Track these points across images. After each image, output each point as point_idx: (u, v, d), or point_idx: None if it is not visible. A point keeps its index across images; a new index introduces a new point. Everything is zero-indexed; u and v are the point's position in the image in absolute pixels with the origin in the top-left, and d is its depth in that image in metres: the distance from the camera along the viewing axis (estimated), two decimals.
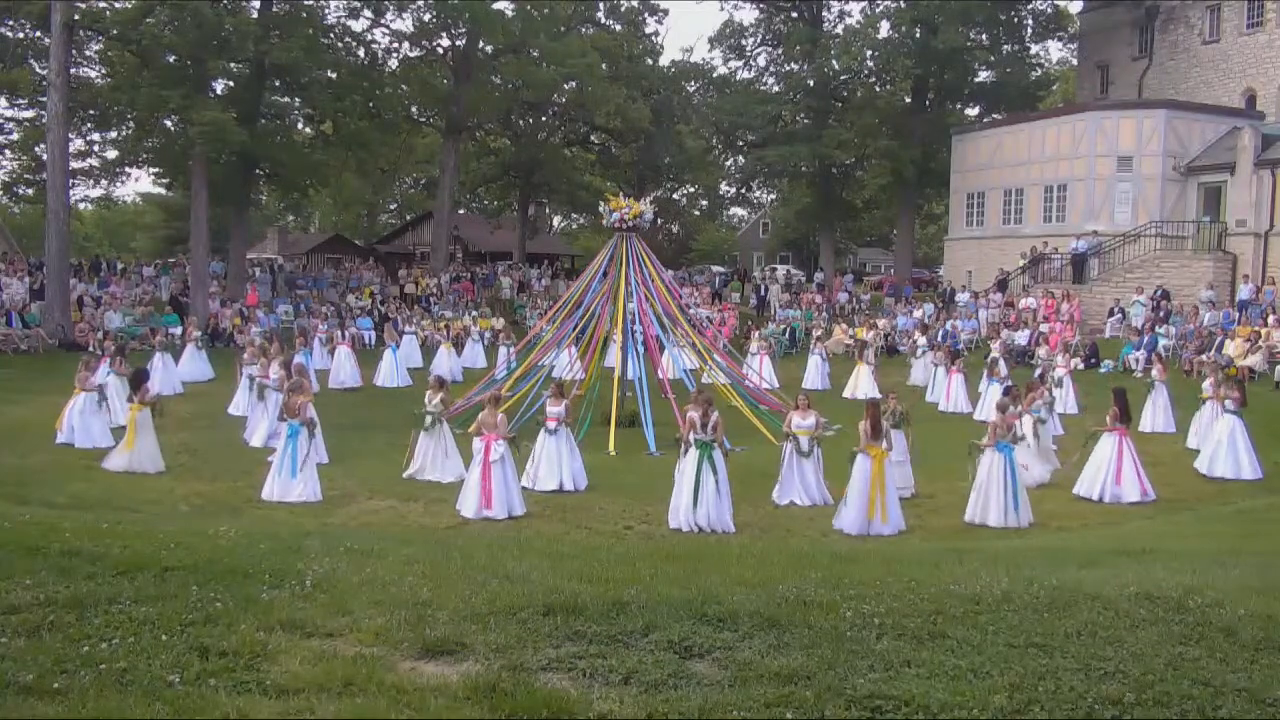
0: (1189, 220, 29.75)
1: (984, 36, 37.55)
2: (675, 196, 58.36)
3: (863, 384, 22.43)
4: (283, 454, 12.22)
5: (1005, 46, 38.47)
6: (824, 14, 41.42)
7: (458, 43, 35.46)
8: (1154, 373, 18.40)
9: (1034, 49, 41.33)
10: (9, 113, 32.79)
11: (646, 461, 15.10)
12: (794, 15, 41.55)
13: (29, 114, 32.09)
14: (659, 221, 51.57)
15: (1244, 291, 26.17)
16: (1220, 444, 14.25)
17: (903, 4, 36.67)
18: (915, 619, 5.27)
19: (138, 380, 13.95)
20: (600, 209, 19.83)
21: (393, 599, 5.39)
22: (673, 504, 11.51)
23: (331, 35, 31.56)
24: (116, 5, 28.18)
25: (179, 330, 24.71)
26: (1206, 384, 16.35)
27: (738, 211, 68.51)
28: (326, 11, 31.88)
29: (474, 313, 31.96)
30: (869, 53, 37.12)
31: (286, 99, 31.81)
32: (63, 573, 5.43)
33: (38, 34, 28.75)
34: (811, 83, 38.33)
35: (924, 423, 17.75)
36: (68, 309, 25.60)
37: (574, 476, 13.29)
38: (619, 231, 18.95)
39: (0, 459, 13.45)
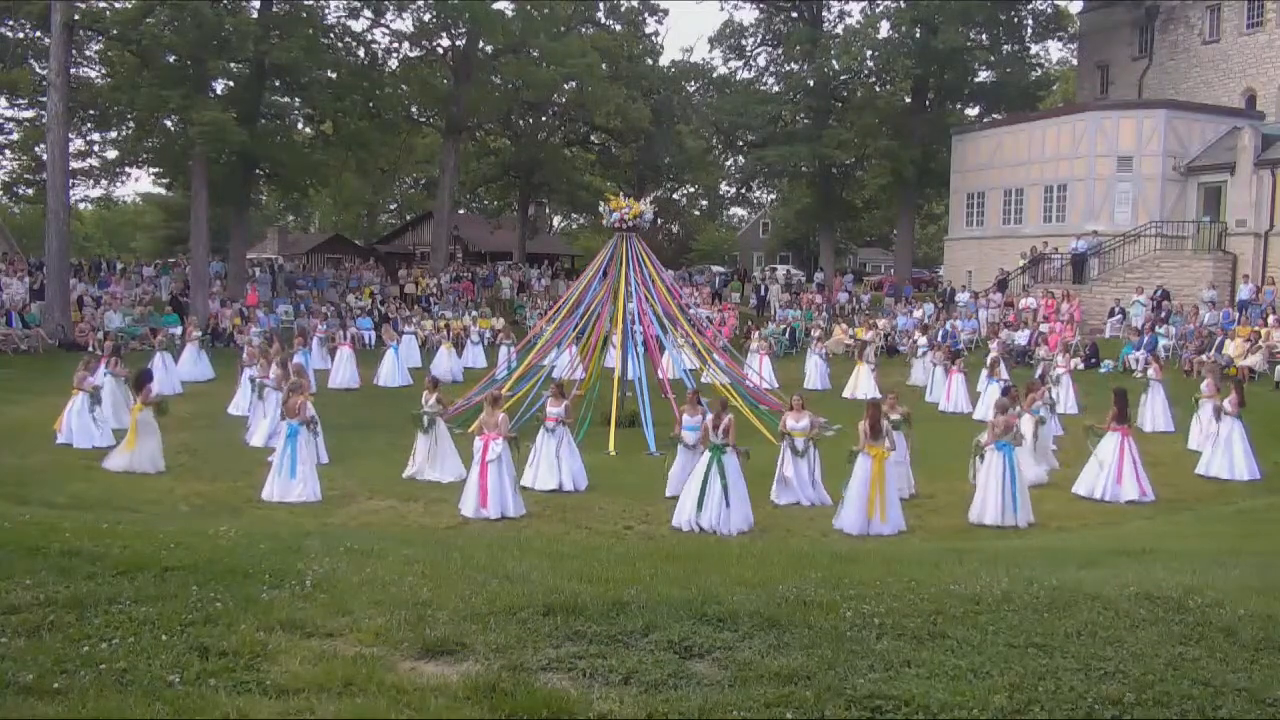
0: (1189, 220, 29.75)
1: (984, 36, 37.55)
2: (675, 196, 58.36)
3: (863, 384, 22.43)
4: (282, 454, 12.23)
5: (1005, 46, 38.47)
6: (824, 14, 41.43)
7: (458, 43, 35.46)
8: (1149, 372, 18.47)
9: (1034, 49, 41.40)
10: (9, 113, 32.87)
11: (646, 461, 15.10)
12: (794, 15, 41.56)
13: (29, 114, 32.12)
14: (659, 221, 51.58)
15: (1244, 291, 26.17)
16: (1219, 446, 14.29)
17: (903, 4, 36.67)
18: (915, 619, 5.27)
19: (141, 381, 13.94)
20: (600, 209, 19.83)
21: (393, 599, 5.39)
22: (680, 503, 11.53)
23: (331, 35, 31.57)
24: (116, 5, 28.20)
25: (179, 330, 24.71)
26: (1205, 385, 16.36)
27: (738, 211, 68.59)
28: (326, 11, 31.91)
29: (474, 313, 31.96)
30: (869, 53, 37.12)
31: (286, 99, 31.82)
32: (63, 573, 5.43)
33: (38, 34, 28.76)
34: (811, 83, 38.33)
35: (924, 423, 17.75)
36: (68, 309, 25.60)
37: (574, 476, 13.29)
38: (619, 231, 18.95)
39: (0, 459, 13.45)
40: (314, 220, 68.29)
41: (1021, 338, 26.64)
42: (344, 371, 22.67)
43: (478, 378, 21.94)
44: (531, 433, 13.61)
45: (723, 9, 47.31)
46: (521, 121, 43.14)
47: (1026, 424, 13.85)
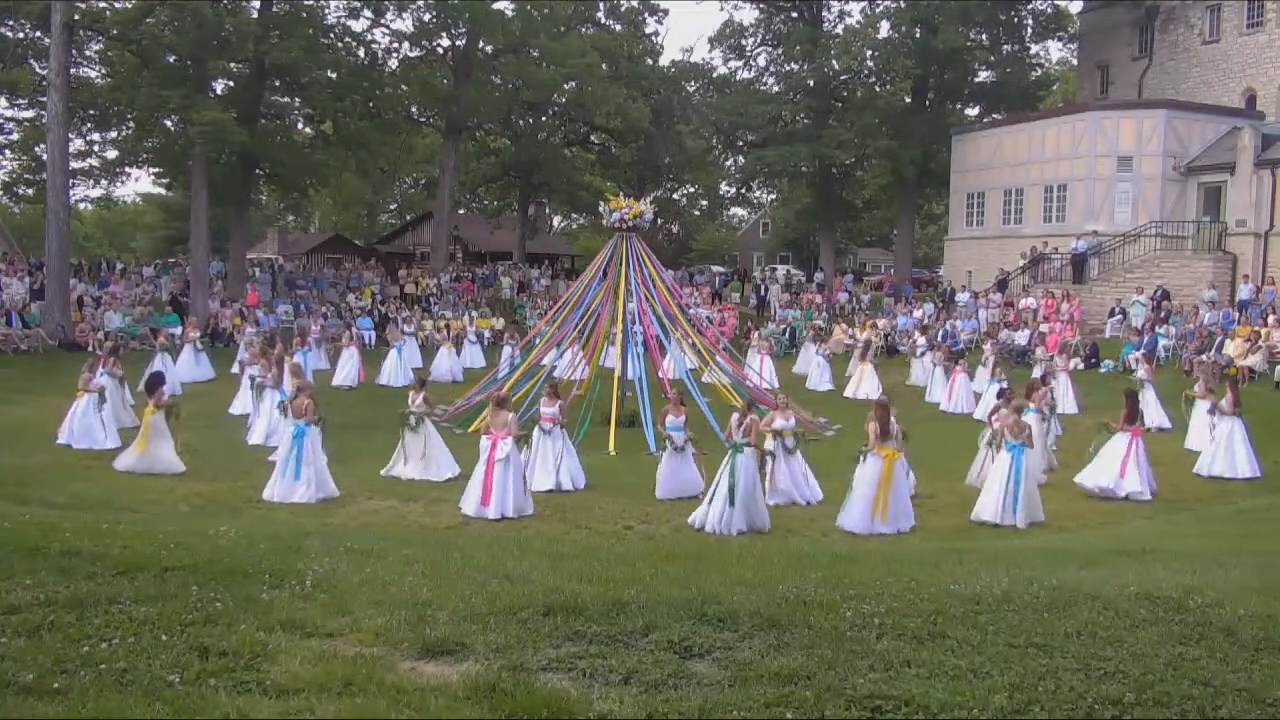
0: (1189, 220, 29.75)
1: (984, 36, 37.55)
2: (675, 196, 58.35)
3: (865, 384, 22.47)
4: (287, 455, 12.18)
5: (1005, 46, 38.47)
6: (824, 14, 41.42)
7: (458, 43, 35.46)
8: (1140, 372, 18.65)
9: (1034, 49, 41.40)
10: (9, 113, 32.86)
11: (646, 461, 15.08)
12: (794, 15, 41.55)
13: (29, 114, 32.11)
14: (659, 221, 51.56)
15: (1244, 291, 26.17)
16: (1220, 444, 14.33)
17: (903, 4, 36.66)
18: (915, 619, 5.27)
19: (153, 384, 13.89)
20: (600, 209, 19.84)
21: (393, 599, 5.39)
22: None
23: (331, 35, 31.57)
24: (116, 5, 28.20)
25: (180, 330, 24.70)
26: (1198, 385, 16.43)
27: (738, 211, 68.58)
28: (326, 11, 31.91)
29: (474, 313, 31.95)
30: (869, 53, 37.11)
31: (286, 99, 31.82)
32: (63, 573, 5.43)
33: (38, 34, 28.76)
34: (811, 83, 38.32)
35: (926, 422, 17.81)
36: (68, 309, 25.60)
37: (571, 476, 13.30)
38: (619, 231, 18.96)
39: (0, 459, 13.44)
40: (314, 220, 68.27)
41: (1021, 338, 26.65)
42: (347, 370, 22.67)
43: (478, 378, 21.95)
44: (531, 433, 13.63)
45: (723, 9, 47.37)
46: (521, 121, 43.13)
47: (1033, 422, 13.90)
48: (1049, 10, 39.49)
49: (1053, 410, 16.05)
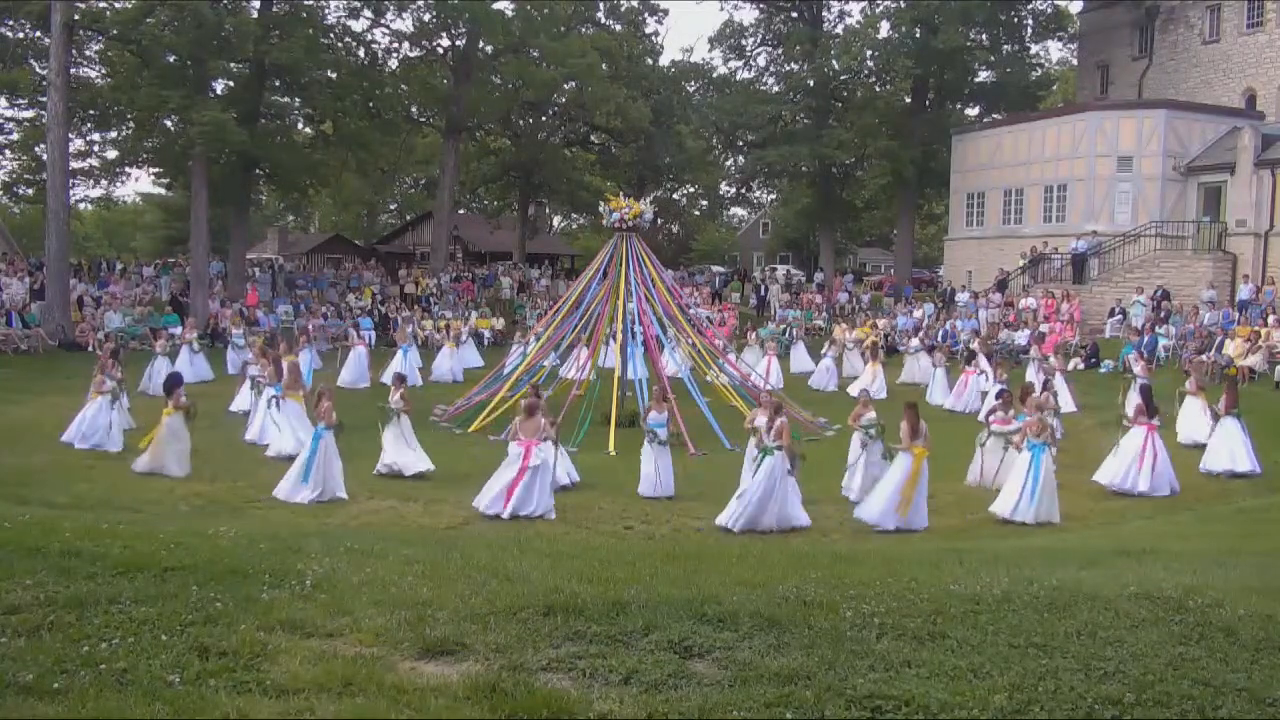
0: (1189, 220, 29.74)
1: (984, 36, 37.54)
2: (675, 196, 58.35)
3: (873, 385, 22.48)
4: (302, 455, 12.28)
5: (1005, 46, 38.46)
6: (824, 14, 41.41)
7: (458, 43, 35.46)
8: (1136, 369, 18.89)
9: (1034, 49, 41.38)
10: (9, 113, 32.86)
11: None
12: (794, 15, 41.54)
13: (29, 114, 32.11)
14: (659, 221, 51.57)
15: (1244, 291, 26.16)
16: (1220, 440, 14.44)
17: (903, 4, 36.66)
18: (915, 619, 5.27)
19: (171, 384, 13.79)
20: (600, 209, 19.84)
21: (393, 599, 5.39)
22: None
23: (331, 35, 31.57)
24: (116, 5, 28.19)
25: (180, 330, 24.68)
26: (1189, 382, 16.48)
27: (738, 211, 68.53)
28: (326, 11, 31.91)
29: (471, 313, 31.93)
30: (869, 53, 37.10)
31: (286, 99, 31.81)
32: (63, 573, 5.43)
33: (38, 34, 28.75)
34: (811, 83, 38.31)
35: (930, 422, 17.73)
36: (68, 309, 25.59)
37: (568, 471, 13.34)
38: (619, 231, 18.96)
39: (1, 459, 13.44)
40: (314, 220, 68.23)
41: (1021, 338, 26.66)
42: (359, 370, 22.61)
43: (478, 378, 21.93)
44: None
45: (723, 9, 47.36)
46: (521, 121, 43.11)
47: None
48: (1049, 10, 39.48)
49: (1056, 413, 16.06)
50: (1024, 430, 12.30)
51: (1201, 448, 14.77)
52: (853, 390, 22.35)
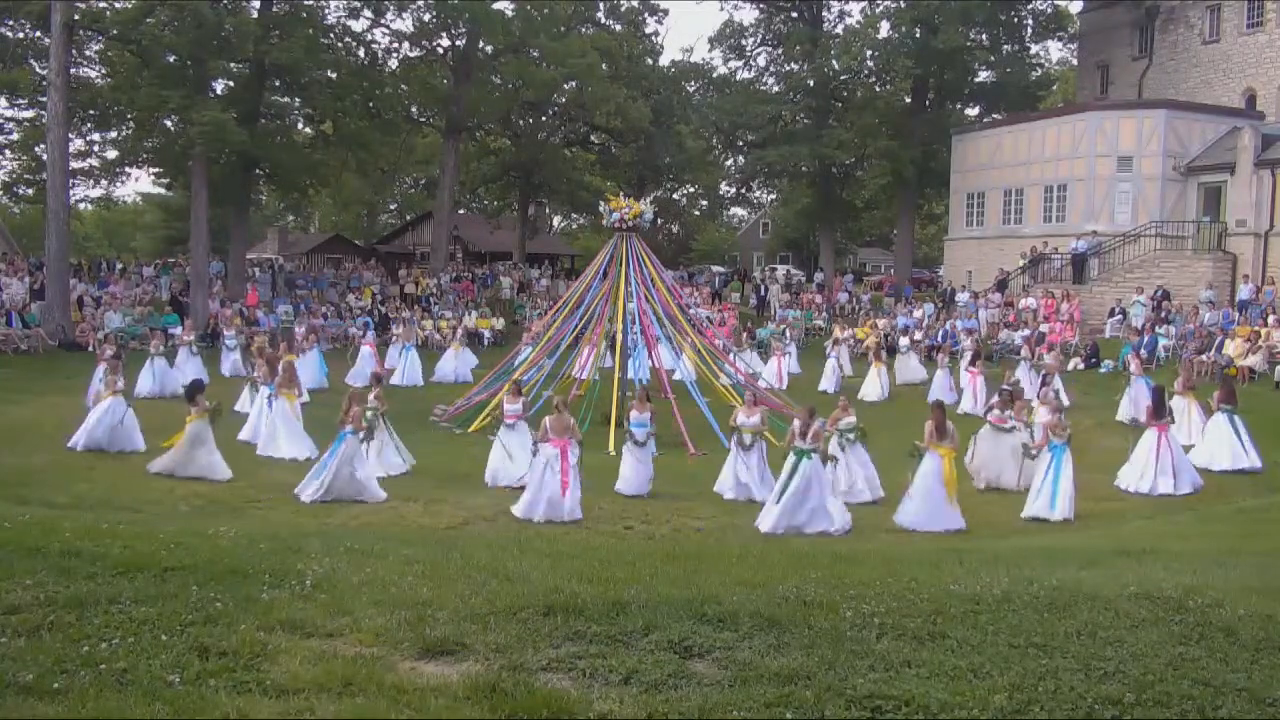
0: (1189, 220, 29.74)
1: (984, 36, 37.53)
2: (675, 196, 58.33)
3: (878, 385, 22.49)
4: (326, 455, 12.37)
5: (1005, 46, 38.45)
6: (824, 14, 41.40)
7: (458, 43, 35.45)
8: (1131, 367, 19.21)
9: (1034, 49, 41.37)
10: (9, 113, 32.84)
11: None
12: (794, 15, 41.53)
13: (29, 114, 32.09)
14: (659, 221, 51.54)
15: (1244, 291, 26.16)
16: (1218, 440, 14.51)
17: (903, 4, 36.65)
18: (915, 619, 5.27)
19: (193, 390, 13.67)
20: (600, 209, 19.85)
21: (393, 599, 5.39)
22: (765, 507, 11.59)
23: (331, 35, 31.55)
24: (116, 5, 28.18)
25: (178, 331, 24.63)
26: (1177, 382, 16.58)
27: (738, 211, 68.51)
28: (326, 11, 31.89)
29: (471, 312, 31.92)
30: (869, 53, 37.09)
31: (286, 99, 31.79)
32: (63, 573, 5.43)
33: (38, 34, 28.74)
34: (811, 83, 38.30)
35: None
36: (68, 309, 25.58)
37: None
38: (619, 231, 18.96)
39: (1, 459, 13.43)
40: (314, 220, 68.22)
41: (1021, 338, 26.65)
42: (361, 370, 22.60)
43: (477, 378, 21.91)
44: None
45: (723, 9, 47.33)
46: (521, 121, 43.10)
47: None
48: (1049, 10, 39.47)
49: (1061, 408, 16.08)
50: (1045, 431, 12.42)
51: (1188, 448, 14.78)
52: (864, 394, 22.28)
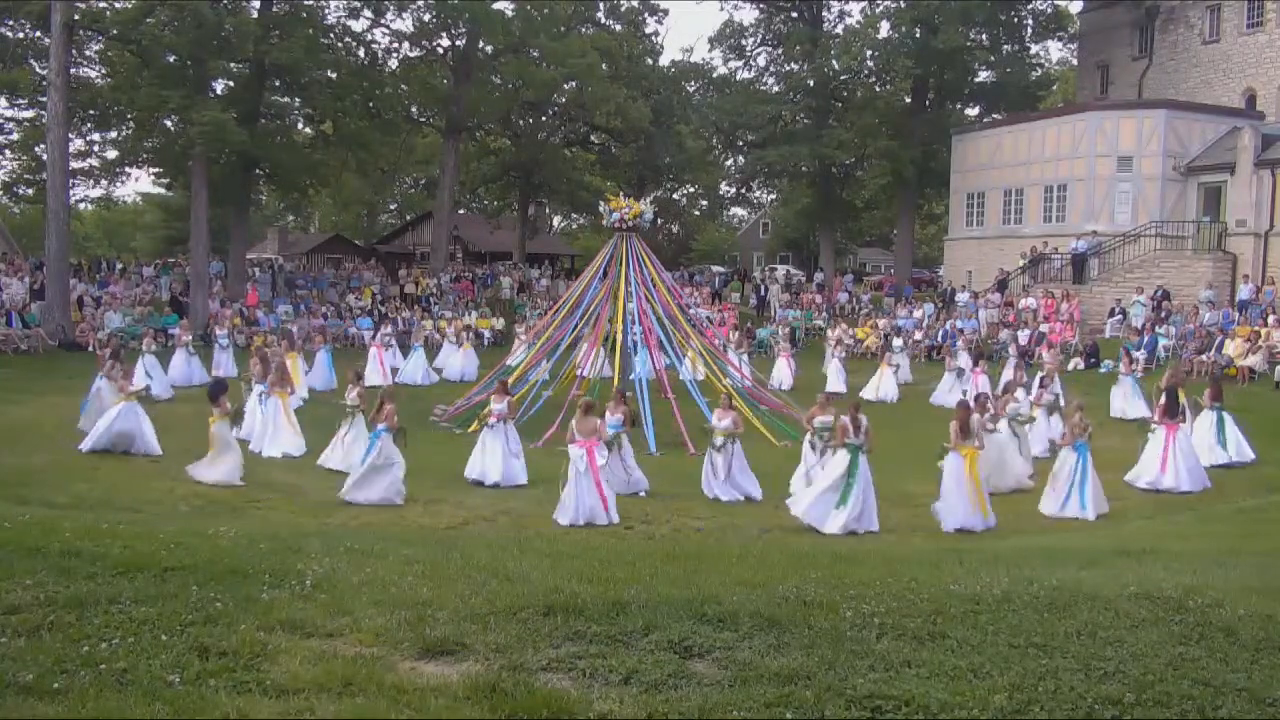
0: (1189, 220, 29.74)
1: (984, 36, 37.53)
2: (675, 196, 58.32)
3: (885, 385, 22.50)
4: (364, 455, 12.43)
5: (1005, 46, 38.45)
6: (824, 14, 41.40)
7: (458, 43, 35.46)
8: (1120, 366, 19.63)
9: (1034, 49, 41.37)
10: (9, 113, 32.86)
11: (647, 461, 15.04)
12: (794, 15, 41.53)
13: (29, 114, 32.10)
14: (659, 221, 51.54)
15: (1244, 291, 26.17)
16: (1212, 437, 14.74)
17: (903, 4, 36.65)
18: (915, 619, 5.27)
19: (216, 392, 13.50)
20: (600, 209, 19.84)
21: (393, 599, 5.39)
22: (805, 501, 11.57)
23: (331, 35, 31.56)
24: (116, 5, 28.19)
25: (175, 331, 24.58)
26: (1164, 379, 16.61)
27: (738, 211, 68.52)
28: (326, 11, 31.90)
29: (471, 312, 31.92)
30: (869, 53, 37.09)
31: (286, 99, 31.80)
32: (63, 573, 5.43)
33: (38, 34, 28.74)
34: (811, 83, 38.30)
35: (931, 423, 17.74)
36: (68, 309, 25.58)
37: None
38: (619, 231, 18.95)
39: (1, 459, 13.43)
40: (314, 220, 68.23)
41: (1022, 338, 26.67)
42: (371, 371, 22.58)
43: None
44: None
45: (723, 9, 47.31)
46: (521, 121, 43.10)
47: (1004, 425, 14.36)
48: (1049, 10, 39.47)
49: (1058, 409, 16.09)
50: (1069, 432, 12.52)
51: None
52: (868, 394, 22.23)
